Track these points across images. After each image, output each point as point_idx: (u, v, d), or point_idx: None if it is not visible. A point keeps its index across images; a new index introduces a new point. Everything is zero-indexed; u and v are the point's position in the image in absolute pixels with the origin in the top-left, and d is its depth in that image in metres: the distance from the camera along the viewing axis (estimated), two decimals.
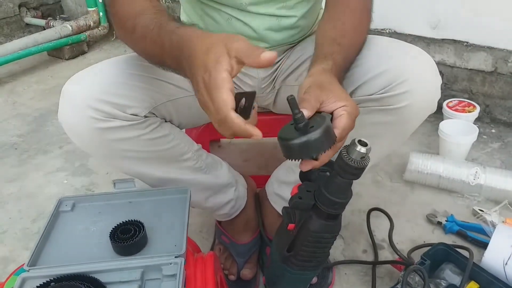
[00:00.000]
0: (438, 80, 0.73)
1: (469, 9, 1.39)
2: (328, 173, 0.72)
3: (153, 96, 0.76)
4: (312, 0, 0.87)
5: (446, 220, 1.07)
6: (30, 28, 2.56)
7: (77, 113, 0.70)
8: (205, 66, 0.51)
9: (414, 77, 0.70)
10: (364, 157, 0.59)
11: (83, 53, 2.36)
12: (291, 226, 0.71)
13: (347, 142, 0.61)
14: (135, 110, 0.72)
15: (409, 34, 1.53)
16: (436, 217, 1.10)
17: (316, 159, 0.59)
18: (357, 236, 1.08)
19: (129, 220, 0.69)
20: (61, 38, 2.23)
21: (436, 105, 0.75)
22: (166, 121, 0.81)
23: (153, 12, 0.65)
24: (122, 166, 0.79)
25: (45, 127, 1.68)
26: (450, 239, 1.05)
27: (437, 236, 1.07)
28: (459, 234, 1.05)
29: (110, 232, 0.67)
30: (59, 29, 2.24)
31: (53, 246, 0.70)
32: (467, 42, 1.45)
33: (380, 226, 1.10)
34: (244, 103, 0.57)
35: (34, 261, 0.66)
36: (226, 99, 0.50)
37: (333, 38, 0.69)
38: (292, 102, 0.55)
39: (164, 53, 0.60)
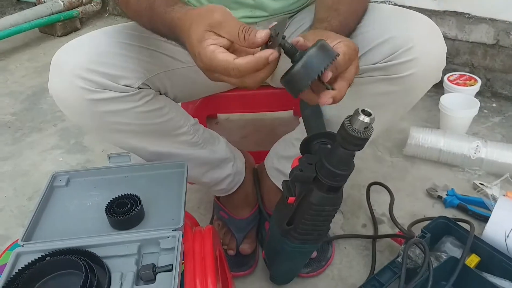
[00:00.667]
0: (444, 48, 0.71)
1: None
2: (329, 146, 0.71)
3: (147, 67, 0.74)
4: None
5: (446, 194, 1.06)
6: (21, 5, 2.50)
7: (67, 83, 0.67)
8: (192, 47, 0.55)
9: (419, 44, 0.67)
10: (367, 127, 0.57)
11: (76, 29, 2.30)
12: (291, 199, 0.69)
13: (351, 112, 0.58)
14: (127, 81, 0.70)
15: (410, 6, 1.49)
16: (437, 191, 1.09)
17: (328, 87, 0.55)
18: (357, 211, 1.07)
19: (125, 194, 0.68)
20: (52, 14, 2.18)
21: (441, 74, 0.73)
22: (160, 94, 0.79)
23: None
24: (116, 140, 0.77)
25: (38, 105, 1.65)
26: (450, 213, 1.05)
27: (437, 210, 1.06)
28: (460, 208, 1.04)
29: (106, 206, 0.66)
30: (51, 5, 2.18)
31: (48, 221, 0.68)
32: (469, 14, 1.41)
33: (379, 200, 1.09)
34: (275, 35, 0.53)
35: (28, 236, 0.64)
36: (222, 59, 0.52)
37: (330, 4, 0.67)
38: (280, 26, 0.53)
39: (161, 32, 0.63)
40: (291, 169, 0.68)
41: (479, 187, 1.08)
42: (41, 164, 1.33)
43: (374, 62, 0.71)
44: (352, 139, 0.58)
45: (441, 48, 0.71)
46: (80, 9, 2.28)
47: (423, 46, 0.68)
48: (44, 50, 2.12)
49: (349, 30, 0.69)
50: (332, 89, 0.54)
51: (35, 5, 2.28)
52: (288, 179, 0.70)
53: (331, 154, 0.62)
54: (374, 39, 0.70)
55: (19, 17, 2.08)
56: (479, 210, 1.01)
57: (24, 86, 1.79)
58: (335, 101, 0.55)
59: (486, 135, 1.32)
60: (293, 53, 0.53)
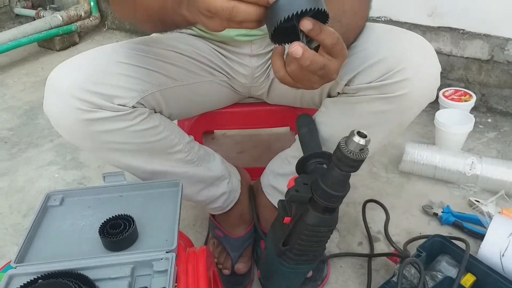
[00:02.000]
0: (438, 68, 0.72)
1: None
2: (325, 166, 0.71)
3: (142, 86, 0.74)
4: None
5: (442, 211, 1.06)
6: (20, 19, 2.52)
7: (62, 103, 0.67)
8: None
9: (413, 64, 0.68)
10: (363, 149, 0.57)
11: (74, 44, 2.32)
12: (287, 219, 0.69)
13: (346, 134, 0.59)
14: (122, 100, 0.70)
15: (405, 22, 1.51)
16: (432, 208, 1.09)
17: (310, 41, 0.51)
18: (352, 228, 1.07)
19: (119, 215, 0.67)
20: (51, 28, 2.19)
21: (436, 93, 0.74)
22: (155, 112, 0.79)
23: None
24: (111, 159, 0.77)
25: (35, 120, 1.65)
26: (446, 231, 1.04)
27: (433, 228, 1.06)
28: (455, 225, 1.04)
29: (100, 227, 0.65)
30: (49, 20, 2.19)
31: (41, 242, 0.68)
32: (463, 30, 1.43)
33: (375, 217, 1.09)
34: None
35: (21, 258, 0.64)
36: None
37: (333, 16, 0.66)
38: None
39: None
40: (287, 188, 0.68)
41: (475, 204, 1.08)
42: (37, 180, 1.33)
43: (368, 81, 0.71)
44: (347, 160, 0.58)
45: (435, 68, 0.72)
46: (78, 23, 2.29)
47: (417, 66, 0.69)
48: (43, 65, 2.13)
49: (347, 44, 0.69)
50: (314, 44, 0.51)
51: (34, 20, 2.30)
52: (284, 197, 0.69)
53: (327, 175, 0.63)
54: (368, 58, 0.71)
55: (17, 32, 2.09)
56: (475, 228, 1.01)
57: (21, 101, 1.80)
58: (304, 57, 0.49)
59: (482, 151, 1.32)
60: None
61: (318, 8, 0.48)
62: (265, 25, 0.51)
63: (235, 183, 0.97)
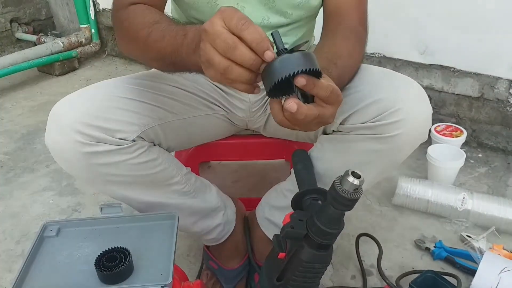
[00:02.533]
0: (430, 110, 0.75)
1: (456, 35, 1.43)
2: (320, 202, 0.73)
3: (142, 120, 0.76)
4: (305, 27, 0.88)
5: (434, 246, 1.07)
6: (21, 44, 2.55)
7: (64, 137, 0.69)
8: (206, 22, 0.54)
9: (406, 106, 0.71)
10: (357, 189, 0.59)
11: (73, 69, 2.35)
12: (281, 254, 0.70)
13: (341, 173, 0.60)
14: (123, 134, 0.72)
15: (398, 59, 1.56)
16: (425, 242, 1.10)
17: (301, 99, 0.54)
18: (346, 262, 1.08)
19: (115, 247, 0.68)
20: (52, 54, 2.23)
21: (427, 134, 0.76)
22: (154, 145, 0.81)
23: (166, 20, 0.68)
24: (109, 191, 0.78)
25: (32, 145, 1.66)
26: (438, 265, 1.05)
27: (425, 262, 1.07)
28: (447, 260, 1.05)
29: (96, 260, 0.66)
30: (50, 45, 2.23)
31: (37, 273, 0.68)
32: (454, 68, 1.48)
33: (369, 251, 1.10)
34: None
35: None
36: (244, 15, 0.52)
37: (329, 58, 0.69)
38: (275, 35, 0.54)
39: (184, 44, 0.61)
40: (282, 224, 0.69)
41: (466, 239, 1.09)
42: (31, 206, 1.33)
43: (363, 121, 0.74)
44: (341, 199, 0.60)
45: (427, 110, 0.75)
46: (79, 49, 2.34)
47: (410, 108, 0.71)
48: (41, 89, 2.15)
49: (342, 85, 0.72)
50: (311, 100, 0.55)
51: (35, 45, 2.34)
52: (279, 231, 0.70)
53: (322, 212, 0.64)
54: (363, 99, 0.73)
55: (18, 56, 2.12)
56: (466, 263, 1.02)
57: (19, 125, 1.81)
58: (298, 112, 0.52)
59: (473, 186, 1.35)
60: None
61: (311, 69, 0.52)
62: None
63: (230, 215, 0.98)
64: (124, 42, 0.74)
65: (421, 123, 0.73)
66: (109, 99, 0.73)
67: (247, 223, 1.04)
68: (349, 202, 0.60)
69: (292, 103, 0.52)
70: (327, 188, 0.65)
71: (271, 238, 0.93)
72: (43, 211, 1.30)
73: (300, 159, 0.84)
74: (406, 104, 0.71)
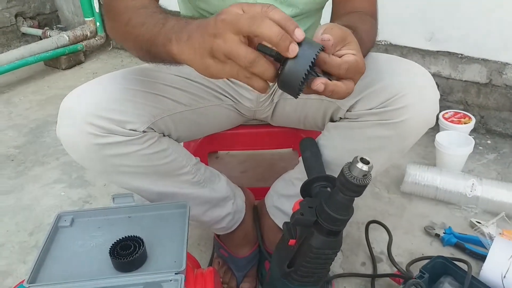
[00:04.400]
0: (437, 95, 0.74)
1: (463, 21, 1.41)
2: (328, 189, 0.73)
3: (152, 112, 0.76)
4: (313, 18, 0.88)
5: (444, 232, 1.08)
6: (26, 38, 2.56)
7: (75, 129, 0.70)
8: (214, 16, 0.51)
9: (413, 92, 0.71)
10: (366, 175, 0.59)
11: (80, 63, 2.36)
12: (292, 241, 0.71)
13: (350, 159, 0.61)
14: (133, 125, 0.72)
15: (405, 46, 1.55)
16: (434, 229, 1.10)
17: (328, 78, 0.53)
18: (356, 249, 1.08)
19: (128, 236, 0.69)
20: (57, 48, 2.23)
21: (435, 120, 0.76)
22: (164, 136, 0.81)
23: (155, 7, 0.66)
24: (120, 181, 0.79)
25: (41, 138, 1.68)
26: (448, 251, 1.06)
27: (435, 248, 1.07)
28: (457, 246, 1.05)
29: (110, 248, 0.67)
30: (56, 39, 2.24)
31: (52, 262, 0.69)
32: (461, 54, 1.47)
33: (378, 238, 1.10)
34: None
35: (33, 278, 0.65)
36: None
37: (347, 26, 0.64)
38: (265, 50, 0.51)
39: (160, 33, 0.58)
40: (292, 211, 0.70)
41: (476, 225, 1.09)
42: (42, 198, 1.35)
43: (369, 107, 0.74)
44: (351, 186, 0.60)
45: (434, 95, 0.74)
46: (84, 43, 2.34)
47: (416, 93, 0.71)
48: (49, 83, 2.16)
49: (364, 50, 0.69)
50: (330, 79, 0.53)
51: (41, 39, 2.34)
52: (289, 219, 0.71)
53: (331, 199, 0.64)
54: (370, 85, 0.74)
55: (24, 51, 2.13)
56: (476, 249, 1.03)
57: (27, 119, 1.82)
58: (326, 89, 0.53)
59: (482, 172, 1.35)
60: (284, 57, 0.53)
61: (321, 48, 0.51)
62: None
63: (239, 204, 0.99)
64: (109, 22, 0.72)
65: (428, 109, 0.73)
66: (118, 90, 0.74)
67: (256, 212, 1.05)
68: (358, 188, 0.61)
69: (319, 84, 0.52)
70: (336, 175, 0.66)
71: (281, 226, 0.94)
72: (54, 203, 1.32)
73: (308, 147, 0.85)
74: (412, 89, 0.71)
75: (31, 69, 2.25)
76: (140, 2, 0.67)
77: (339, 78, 0.54)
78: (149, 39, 0.60)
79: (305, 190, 0.75)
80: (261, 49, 0.51)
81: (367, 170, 0.59)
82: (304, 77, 0.50)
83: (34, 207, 1.31)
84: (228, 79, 0.91)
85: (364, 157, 0.60)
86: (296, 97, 0.53)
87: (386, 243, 1.07)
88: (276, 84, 0.53)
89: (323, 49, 0.52)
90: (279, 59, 0.52)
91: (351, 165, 0.60)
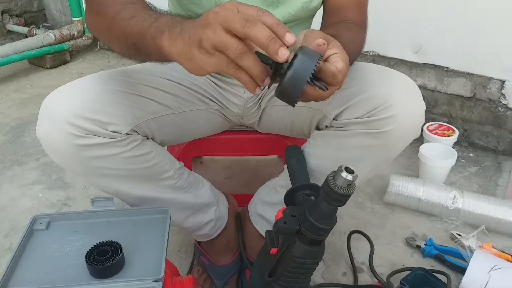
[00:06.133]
0: (422, 106, 0.75)
1: (450, 35, 1.44)
2: (312, 197, 0.73)
3: (136, 113, 0.75)
4: (303, 25, 0.88)
5: (425, 244, 1.08)
6: (12, 35, 2.52)
7: (56, 129, 0.68)
8: (207, 13, 0.51)
9: (399, 102, 0.71)
10: (350, 184, 0.59)
11: (65, 62, 2.33)
12: (273, 250, 0.70)
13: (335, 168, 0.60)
14: (116, 127, 0.71)
15: (392, 58, 1.57)
16: (415, 240, 1.11)
17: (321, 87, 0.55)
18: (337, 259, 1.08)
19: (106, 241, 0.67)
20: (43, 46, 2.20)
21: (420, 130, 0.76)
22: (148, 139, 0.80)
23: (145, 4, 0.65)
24: (100, 184, 0.77)
25: (22, 138, 1.64)
26: (428, 263, 1.06)
27: (416, 260, 1.08)
28: (438, 258, 1.06)
29: (86, 254, 0.65)
30: (42, 38, 2.20)
31: (26, 267, 0.67)
32: (447, 68, 1.49)
33: (360, 248, 1.10)
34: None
35: (5, 283, 0.63)
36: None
37: (333, 33, 0.67)
38: (262, 58, 0.51)
39: (152, 27, 0.57)
40: (275, 219, 0.69)
41: (457, 237, 1.10)
42: (20, 199, 1.31)
43: (355, 116, 0.74)
44: (334, 195, 0.60)
45: (420, 106, 0.75)
46: (71, 42, 2.31)
47: (402, 104, 0.71)
48: (32, 82, 2.12)
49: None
50: (326, 89, 0.55)
51: (26, 37, 2.30)
52: (271, 227, 0.70)
53: (315, 208, 0.64)
54: (356, 95, 0.74)
55: (9, 48, 2.09)
56: (456, 261, 1.03)
57: (9, 117, 1.78)
58: (324, 98, 0.58)
59: (463, 185, 1.36)
60: (280, 66, 0.53)
61: (320, 57, 0.52)
62: None
63: (222, 211, 0.97)
64: (92, 16, 0.71)
65: (414, 119, 0.74)
66: (102, 91, 0.72)
67: (239, 219, 1.03)
68: (342, 198, 0.60)
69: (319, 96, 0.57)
70: (320, 184, 0.66)
71: (263, 234, 0.93)
72: (32, 205, 1.29)
73: (293, 155, 0.84)
74: (399, 99, 0.71)
75: (15, 67, 2.21)
76: None
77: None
78: (138, 32, 0.59)
79: (289, 198, 0.74)
80: (258, 57, 0.51)
81: (351, 179, 0.59)
82: (305, 87, 0.51)
83: (10, 208, 1.27)
84: (215, 83, 0.90)
85: (348, 166, 0.60)
86: (293, 106, 0.54)
87: (367, 253, 1.07)
88: (274, 92, 0.53)
89: (321, 57, 0.53)
90: (279, 71, 0.52)
91: (335, 174, 0.60)
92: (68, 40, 2.30)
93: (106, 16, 0.66)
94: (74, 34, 2.31)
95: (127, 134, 0.73)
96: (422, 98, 0.76)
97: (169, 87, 0.83)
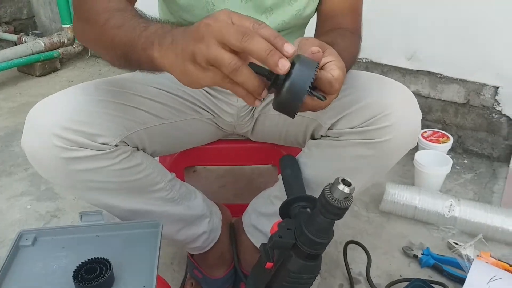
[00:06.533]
0: (419, 115, 0.74)
1: (443, 42, 1.43)
2: (308, 209, 0.71)
3: (125, 124, 0.73)
4: (297, 33, 0.87)
5: (422, 254, 1.06)
6: (1, 43, 2.48)
7: (41, 141, 0.65)
8: (200, 21, 0.49)
9: (396, 111, 0.70)
10: (347, 197, 0.57)
11: (55, 70, 2.29)
12: (269, 264, 0.68)
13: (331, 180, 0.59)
14: (105, 139, 0.68)
15: (386, 64, 1.56)
16: (412, 250, 1.09)
17: (319, 97, 0.53)
18: (334, 270, 1.06)
19: (94, 258, 0.65)
20: (32, 54, 2.16)
21: (417, 140, 0.75)
22: (138, 150, 0.77)
23: (133, 11, 0.62)
24: (89, 197, 0.75)
25: (10, 148, 1.60)
26: (426, 273, 1.04)
27: (413, 270, 1.06)
28: (435, 268, 1.04)
29: (74, 272, 0.62)
30: (31, 45, 2.17)
31: (10, 286, 0.64)
32: (441, 74, 1.48)
33: (356, 258, 1.08)
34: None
35: None
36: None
37: (329, 41, 0.65)
38: (256, 69, 0.49)
39: (142, 36, 0.55)
40: (270, 233, 0.67)
41: (454, 246, 1.09)
42: (7, 211, 1.28)
43: (351, 126, 0.72)
44: (331, 208, 0.58)
45: (417, 115, 0.74)
46: (61, 50, 2.27)
47: (399, 113, 0.70)
48: (21, 90, 2.09)
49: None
50: (324, 98, 0.54)
51: (15, 44, 2.27)
52: (267, 239, 0.68)
53: (311, 221, 0.62)
54: (352, 103, 0.72)
55: None
56: (454, 271, 1.01)
57: None
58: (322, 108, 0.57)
59: (459, 192, 1.35)
60: (276, 76, 0.51)
61: (317, 65, 0.51)
62: None
63: (216, 222, 0.95)
64: (80, 24, 0.68)
65: (411, 129, 0.72)
66: (90, 101, 0.70)
67: (233, 231, 1.01)
68: (339, 211, 0.59)
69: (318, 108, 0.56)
70: (316, 195, 0.64)
71: (258, 246, 0.91)
72: (20, 217, 1.25)
73: (288, 165, 0.82)
74: (395, 109, 0.70)
75: (3, 75, 2.17)
76: (117, 5, 0.64)
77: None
78: (127, 42, 0.57)
79: (284, 210, 0.72)
80: (253, 68, 0.49)
81: (348, 192, 0.57)
82: (302, 102, 0.49)
83: None
84: (207, 92, 0.88)
85: (345, 178, 0.58)
86: (293, 117, 0.52)
87: (364, 263, 1.05)
88: (271, 104, 0.51)
89: (318, 66, 0.51)
90: (276, 82, 0.50)
91: (332, 186, 0.58)
92: (58, 48, 2.27)
93: (95, 24, 0.63)
94: (64, 42, 2.28)
95: (116, 146, 0.70)
96: (419, 107, 0.74)
97: (160, 97, 0.81)
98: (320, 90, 0.55)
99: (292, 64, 0.49)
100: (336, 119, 0.74)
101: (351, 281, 1.01)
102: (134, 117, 0.75)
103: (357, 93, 0.73)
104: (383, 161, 0.75)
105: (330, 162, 0.77)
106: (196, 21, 0.78)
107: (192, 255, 0.98)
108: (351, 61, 0.74)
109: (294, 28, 0.85)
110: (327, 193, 0.58)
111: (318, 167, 0.80)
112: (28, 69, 2.22)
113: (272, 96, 0.54)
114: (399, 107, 0.70)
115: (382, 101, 0.70)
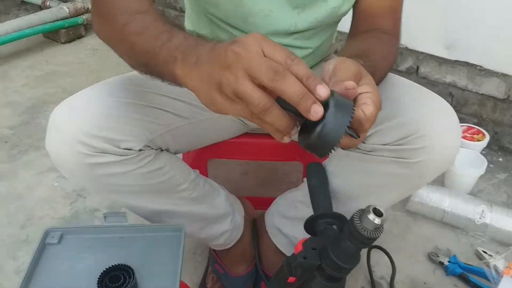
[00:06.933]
0: (459, 137, 0.69)
1: (486, 33, 1.33)
2: (334, 226, 0.68)
3: (149, 128, 0.71)
4: (330, 30, 0.82)
5: (448, 261, 1.04)
6: (26, 6, 2.46)
7: (65, 146, 0.64)
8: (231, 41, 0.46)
9: (434, 132, 0.65)
10: (378, 228, 0.55)
11: (80, 37, 2.26)
12: (291, 279, 0.67)
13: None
14: (129, 144, 0.67)
15: (421, 52, 1.47)
16: (438, 256, 1.06)
17: (352, 135, 0.50)
18: (356, 272, 1.05)
19: (118, 265, 0.65)
20: (57, 20, 2.14)
21: (454, 161, 0.71)
22: (162, 150, 0.76)
23: (154, 14, 0.59)
24: (113, 199, 0.75)
25: (37, 120, 1.62)
26: (451, 282, 1.02)
27: (438, 277, 1.04)
28: (461, 277, 1.02)
29: (98, 279, 0.63)
30: (56, 11, 2.14)
31: (38, 285, 0.65)
32: (480, 66, 1.39)
33: (380, 261, 1.06)
34: None
35: None
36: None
37: (360, 55, 0.61)
38: (285, 106, 0.45)
39: (164, 48, 0.52)
40: (292, 237, 0.67)
41: (483, 255, 1.05)
42: (36, 188, 1.30)
43: (385, 142, 0.68)
44: (360, 237, 0.56)
45: (456, 137, 0.69)
46: (85, 16, 2.24)
47: (437, 135, 0.65)
48: (47, 57, 2.08)
49: (379, 77, 0.65)
50: (358, 136, 0.50)
51: (40, 8, 2.25)
52: (289, 242, 0.71)
53: (337, 245, 0.60)
54: (386, 119, 0.67)
55: (22, 22, 2.04)
56: (481, 283, 0.99)
57: (24, 96, 1.75)
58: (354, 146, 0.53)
59: (491, 194, 1.30)
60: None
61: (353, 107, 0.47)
62: None
63: (238, 220, 0.94)
64: (98, 19, 0.64)
65: (448, 151, 0.67)
66: (113, 105, 0.67)
67: (255, 228, 1.00)
68: (368, 241, 0.57)
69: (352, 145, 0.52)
70: (342, 206, 0.61)
71: (280, 248, 0.91)
72: (48, 194, 1.27)
73: (315, 174, 0.80)
74: (434, 130, 0.65)
75: (29, 41, 2.16)
76: (138, 5, 0.60)
77: None
78: (148, 52, 0.54)
79: (309, 226, 0.70)
80: (282, 104, 0.45)
81: (379, 223, 0.54)
82: (337, 146, 0.46)
83: (27, 197, 1.27)
84: None
85: (377, 207, 0.55)
86: (321, 158, 0.49)
87: (387, 267, 1.03)
88: (298, 142, 0.48)
89: (354, 108, 0.47)
90: (306, 121, 0.46)
91: (362, 214, 0.56)
92: (83, 14, 2.23)
93: (113, 25, 0.60)
94: (88, 8, 2.24)
95: (140, 150, 0.69)
96: (459, 126, 0.69)
97: (183, 95, 0.78)
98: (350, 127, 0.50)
99: (327, 106, 0.45)
100: (370, 133, 0.70)
101: (373, 285, 1.00)
102: (158, 120, 0.73)
103: (393, 106, 0.67)
104: (415, 180, 0.71)
105: (360, 176, 0.74)
106: (221, 16, 0.74)
107: (214, 250, 0.98)
108: (387, 69, 0.70)
109: (327, 26, 0.79)
110: (357, 221, 0.56)
111: (347, 180, 0.77)
112: (53, 35, 2.20)
113: None
114: (438, 128, 0.65)
115: (419, 119, 0.65)
